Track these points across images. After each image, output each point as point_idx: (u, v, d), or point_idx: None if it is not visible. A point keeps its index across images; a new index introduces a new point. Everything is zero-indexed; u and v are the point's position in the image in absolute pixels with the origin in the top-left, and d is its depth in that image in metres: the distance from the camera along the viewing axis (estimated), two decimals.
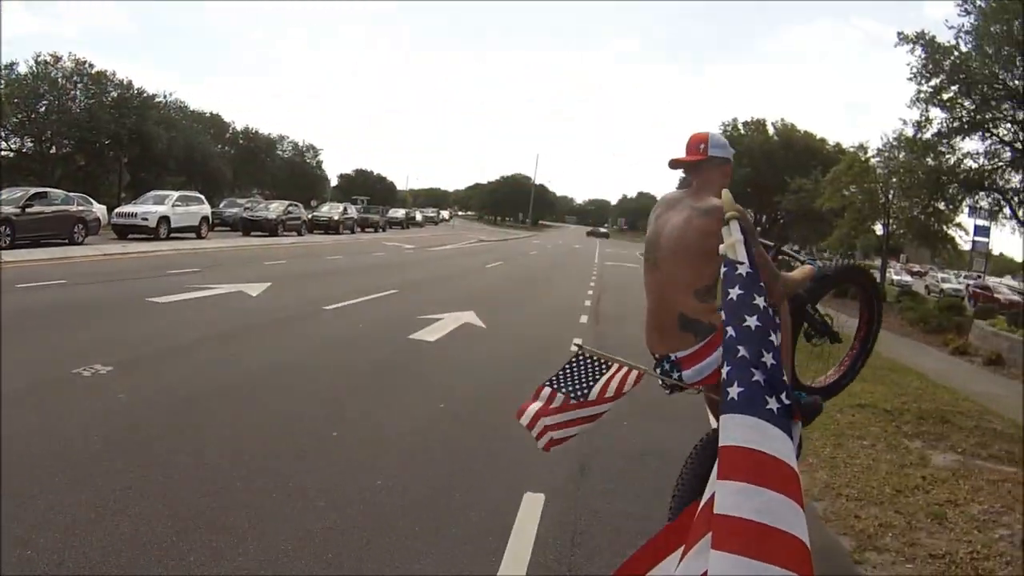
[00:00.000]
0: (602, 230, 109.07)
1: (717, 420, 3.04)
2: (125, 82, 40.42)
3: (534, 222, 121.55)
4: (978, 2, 22.24)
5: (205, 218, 28.85)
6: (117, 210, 26.35)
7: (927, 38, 23.68)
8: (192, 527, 4.00)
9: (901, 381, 10.84)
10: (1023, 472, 6.63)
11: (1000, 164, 24.32)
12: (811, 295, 4.14)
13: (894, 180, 29.15)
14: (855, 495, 5.74)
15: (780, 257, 4.32)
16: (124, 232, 24.70)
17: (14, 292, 11.17)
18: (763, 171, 50.21)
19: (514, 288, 20.73)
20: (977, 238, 31.50)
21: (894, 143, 28.04)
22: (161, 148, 40.51)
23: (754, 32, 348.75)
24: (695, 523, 2.41)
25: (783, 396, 2.41)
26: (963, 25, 22.79)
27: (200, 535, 3.92)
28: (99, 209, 25.54)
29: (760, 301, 2.58)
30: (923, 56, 23.82)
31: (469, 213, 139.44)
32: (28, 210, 19.71)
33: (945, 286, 44.45)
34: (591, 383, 3.70)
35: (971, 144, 34.21)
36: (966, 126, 23.97)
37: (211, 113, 60.47)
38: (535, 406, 3.75)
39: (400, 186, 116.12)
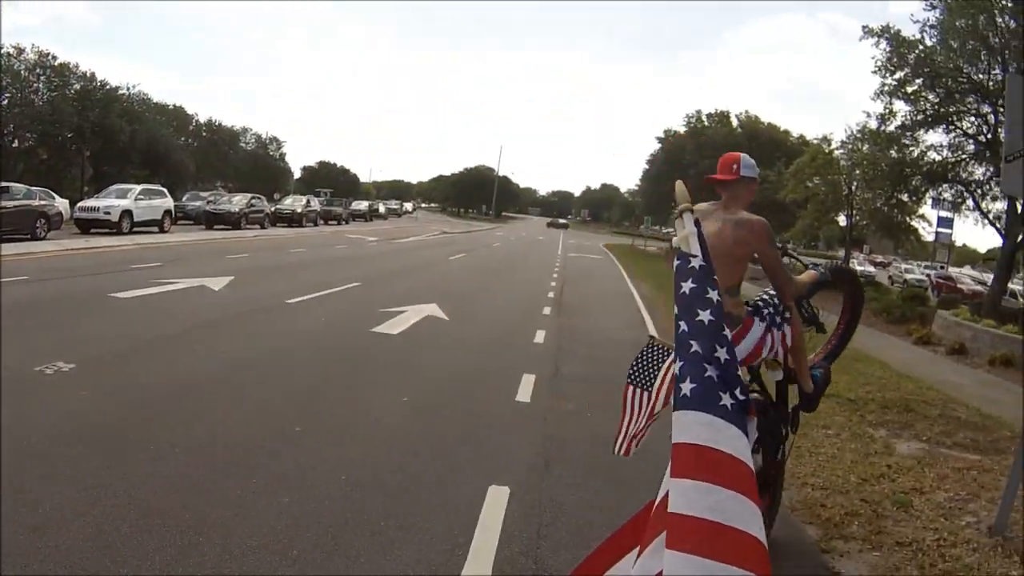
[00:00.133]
0: (561, 221, 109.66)
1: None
2: (88, 74, 39.98)
3: (497, 214, 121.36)
4: None
5: (168, 212, 28.49)
6: (79, 204, 25.83)
7: (892, 32, 23.93)
8: (157, 525, 3.95)
9: (865, 371, 10.93)
10: None
11: (963, 156, 24.57)
12: (807, 292, 4.65)
13: (858, 172, 29.47)
14: (821, 484, 5.77)
15: (785, 257, 4.60)
16: (87, 226, 24.29)
17: None
18: None
19: (477, 279, 20.73)
20: (940, 229, 31.95)
21: (858, 135, 28.34)
22: (124, 141, 40.03)
23: (723, 24, 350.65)
24: (650, 522, 2.36)
25: (737, 392, 2.35)
26: (928, 19, 23.06)
27: (166, 533, 3.87)
28: (61, 203, 25.10)
29: (713, 295, 2.50)
30: (888, 50, 24.10)
31: (432, 205, 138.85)
32: None
33: (908, 276, 44.80)
34: (655, 372, 3.66)
35: (935, 137, 34.88)
36: (930, 119, 24.20)
37: (174, 105, 59.89)
38: (621, 428, 3.68)
39: (364, 178, 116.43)
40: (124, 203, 25.45)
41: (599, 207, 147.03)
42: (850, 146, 29.60)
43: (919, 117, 24.45)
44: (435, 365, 8.87)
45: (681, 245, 2.66)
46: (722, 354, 2.40)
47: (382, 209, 74.72)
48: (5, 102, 36.15)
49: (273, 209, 40.82)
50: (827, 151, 33.94)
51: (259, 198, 38.55)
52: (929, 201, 28.13)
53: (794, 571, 4.33)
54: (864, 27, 24.26)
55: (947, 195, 26.60)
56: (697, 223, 2.66)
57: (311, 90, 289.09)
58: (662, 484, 2.33)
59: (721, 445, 2.22)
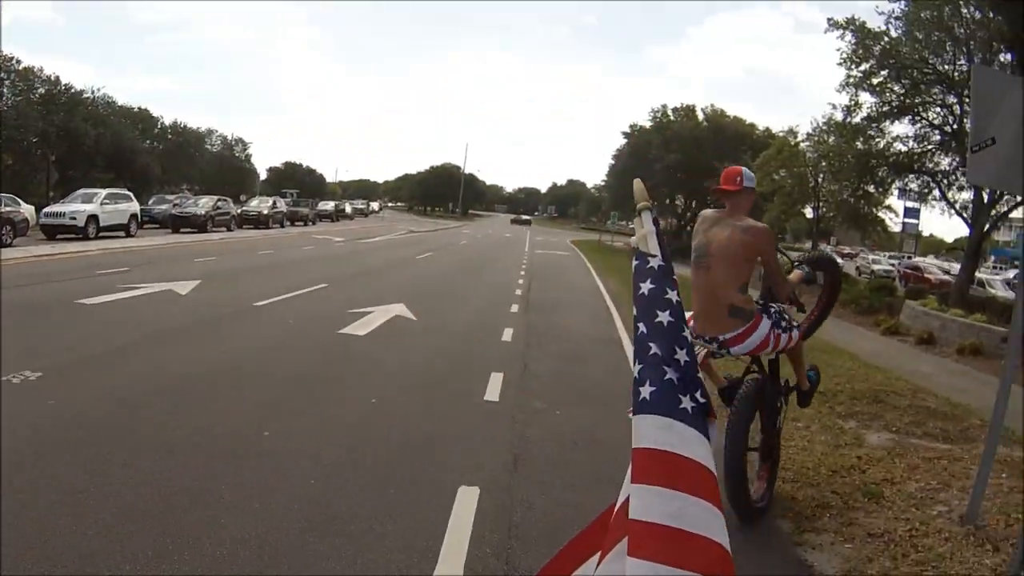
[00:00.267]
0: (524, 218, 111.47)
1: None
2: (53, 78, 39.51)
3: (464, 212, 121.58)
4: None
5: (134, 215, 28.20)
6: (45, 210, 25.43)
7: (857, 24, 24.03)
8: (126, 533, 3.90)
9: (834, 362, 10.97)
10: None
11: (929, 147, 24.77)
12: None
13: (824, 164, 29.68)
14: (791, 477, 5.79)
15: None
16: (53, 232, 23.86)
17: None
18: (693, 156, 50.21)
19: (444, 278, 20.71)
20: (907, 220, 32.31)
21: (824, 127, 28.39)
22: (89, 145, 39.53)
23: (688, 18, 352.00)
24: (611, 526, 2.31)
25: (698, 395, 2.29)
26: (893, 11, 23.18)
27: (134, 542, 3.82)
28: (27, 209, 24.84)
29: (672, 295, 2.44)
30: (853, 42, 24.15)
31: (399, 204, 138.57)
32: None
33: (876, 267, 45.15)
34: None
35: (901, 128, 35.18)
36: (896, 110, 24.37)
37: (139, 108, 59.05)
38: None
39: (330, 178, 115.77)
40: (90, 208, 25.12)
41: (566, 203, 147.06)
42: (816, 138, 29.68)
43: (885, 108, 24.60)
44: (403, 365, 8.83)
45: (640, 244, 2.58)
46: (682, 356, 2.34)
47: (348, 209, 74.37)
48: None
49: (239, 211, 40.54)
50: (793, 143, 34.16)
51: (225, 200, 38.16)
52: (895, 192, 28.32)
53: (767, 565, 4.34)
54: (829, 19, 24.37)
55: (913, 186, 26.79)
56: (656, 222, 2.60)
57: (276, 88, 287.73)
58: (622, 488, 2.29)
59: (681, 449, 2.18)
